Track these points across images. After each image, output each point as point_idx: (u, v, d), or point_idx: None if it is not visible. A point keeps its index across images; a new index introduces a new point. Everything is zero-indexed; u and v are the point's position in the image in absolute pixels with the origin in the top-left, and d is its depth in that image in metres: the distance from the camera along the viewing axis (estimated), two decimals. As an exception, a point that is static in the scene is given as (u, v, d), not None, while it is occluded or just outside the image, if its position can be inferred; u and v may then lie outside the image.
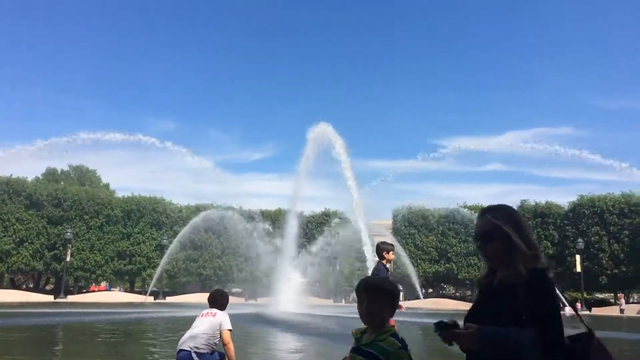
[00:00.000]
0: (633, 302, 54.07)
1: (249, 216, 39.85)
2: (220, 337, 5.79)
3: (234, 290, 56.95)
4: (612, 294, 55.57)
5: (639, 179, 34.33)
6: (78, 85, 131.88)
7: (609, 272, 47.90)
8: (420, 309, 42.25)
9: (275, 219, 53.50)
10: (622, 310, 42.60)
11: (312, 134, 30.55)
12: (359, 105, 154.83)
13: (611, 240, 48.37)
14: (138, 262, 54.27)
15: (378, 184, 37.48)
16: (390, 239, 53.32)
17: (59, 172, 71.59)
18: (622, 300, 45.31)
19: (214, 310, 6.01)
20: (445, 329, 2.20)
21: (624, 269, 47.38)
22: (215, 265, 55.28)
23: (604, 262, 48.08)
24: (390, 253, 7.57)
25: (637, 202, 48.02)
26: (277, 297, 32.47)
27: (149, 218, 55.60)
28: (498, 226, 2.34)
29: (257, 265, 39.51)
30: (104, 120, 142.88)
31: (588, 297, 50.56)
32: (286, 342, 15.00)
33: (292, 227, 35.88)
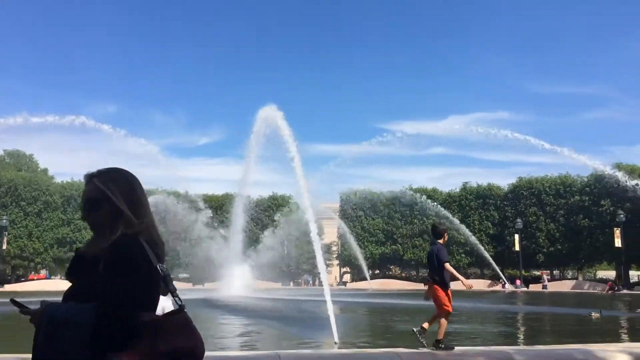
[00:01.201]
0: (568, 279, 56.75)
1: (194, 201, 39.19)
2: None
3: (181, 275, 56.22)
4: (548, 272, 58.22)
5: (575, 162, 35.79)
6: (9, 65, 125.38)
7: (545, 250, 50.14)
8: (366, 290, 43.09)
9: (222, 203, 53.01)
10: (544, 287, 45.70)
11: (258, 117, 30.36)
12: (305, 90, 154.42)
13: (547, 220, 50.56)
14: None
15: (325, 169, 37.65)
16: (337, 222, 53.98)
17: (-7, 157, 68.33)
18: (545, 277, 47.75)
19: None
20: (18, 306, 1.96)
21: (559, 247, 49.69)
22: (160, 251, 54.30)
23: (541, 240, 50.27)
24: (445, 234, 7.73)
25: (572, 183, 50.29)
26: (224, 282, 32.26)
27: (90, 203, 53.95)
28: (104, 192, 2.04)
29: (203, 251, 39.03)
30: (40, 104, 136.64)
31: (526, 274, 52.80)
32: (234, 325, 14.94)
33: (239, 212, 35.62)
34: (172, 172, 41.63)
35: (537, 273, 59.52)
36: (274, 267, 38.41)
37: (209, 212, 38.25)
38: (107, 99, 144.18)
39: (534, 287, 46.41)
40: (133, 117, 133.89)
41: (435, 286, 7.22)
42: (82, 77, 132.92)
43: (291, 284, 53.63)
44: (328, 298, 10.98)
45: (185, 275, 56.32)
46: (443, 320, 7.16)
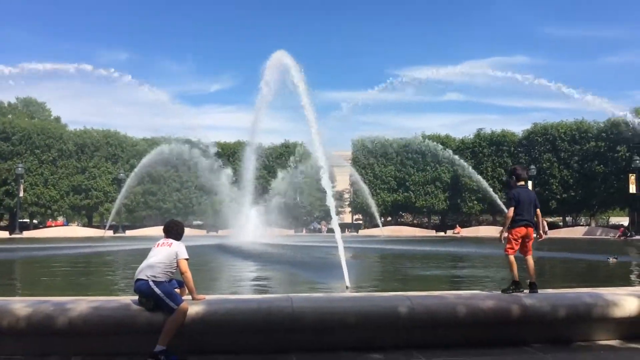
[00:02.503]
0: (580, 225, 56.73)
1: (206, 149, 39.18)
2: (177, 266, 5.76)
3: (194, 223, 57.06)
4: (561, 218, 58.20)
5: (592, 106, 35.05)
6: (22, 14, 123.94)
7: (558, 197, 49.93)
8: (379, 236, 43.53)
9: (234, 151, 53.08)
10: (545, 232, 45.22)
11: (269, 61, 29.81)
12: (317, 36, 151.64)
13: (561, 167, 50.12)
14: (95, 197, 53.50)
15: (338, 115, 37.24)
16: (349, 169, 54.00)
17: (6, 105, 68.49)
18: (545, 224, 47.42)
19: (170, 240, 5.94)
20: None
21: (572, 193, 49.44)
22: (175, 199, 55.03)
23: (554, 187, 50.01)
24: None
25: (588, 129, 49.52)
26: (237, 229, 32.65)
27: (104, 152, 54.43)
28: None
29: (216, 198, 39.36)
30: (52, 52, 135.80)
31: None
32: (247, 271, 15.20)
33: (251, 160, 35.65)
34: (183, 120, 41.46)
35: (550, 220, 59.53)
36: (286, 214, 38.70)
37: (220, 162, 38.29)
38: (118, 46, 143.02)
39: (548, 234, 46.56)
40: (144, 64, 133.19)
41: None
42: (93, 25, 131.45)
43: (304, 230, 54.22)
44: (340, 244, 11.06)
45: (199, 222, 57.18)
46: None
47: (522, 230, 6.90)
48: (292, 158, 43.42)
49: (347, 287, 9.27)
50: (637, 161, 41.37)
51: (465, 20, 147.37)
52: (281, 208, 37.01)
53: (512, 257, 6.94)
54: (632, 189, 41.83)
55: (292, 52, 24.37)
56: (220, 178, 37.14)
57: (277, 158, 55.59)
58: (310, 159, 33.69)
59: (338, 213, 56.81)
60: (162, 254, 5.77)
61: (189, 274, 5.79)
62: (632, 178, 41.93)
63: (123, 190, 46.85)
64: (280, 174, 41.32)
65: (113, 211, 47.78)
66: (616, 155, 46.04)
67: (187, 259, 5.81)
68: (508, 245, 6.93)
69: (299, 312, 5.65)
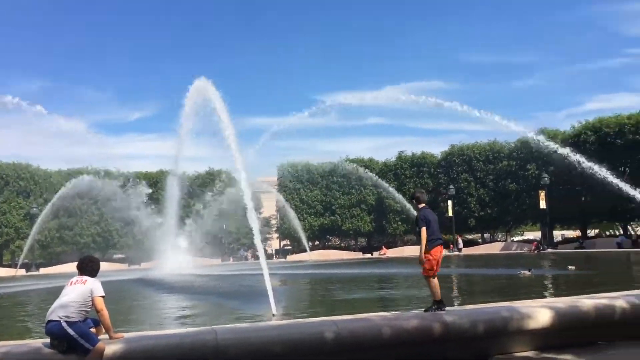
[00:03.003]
0: (498, 241, 59.31)
1: (126, 179, 37.92)
2: (93, 304, 5.48)
3: (115, 256, 54.79)
4: (480, 235, 60.66)
5: (502, 128, 37.13)
6: None
7: (476, 214, 52.12)
8: (307, 261, 43.53)
9: (157, 180, 51.70)
10: (459, 250, 47.66)
11: (190, 90, 29.47)
12: (240, 63, 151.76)
13: (477, 186, 52.44)
14: (5, 234, 50.36)
15: (262, 141, 37.21)
16: (275, 195, 53.89)
17: None
18: (460, 241, 49.35)
19: (84, 277, 5.66)
20: None
21: (489, 211, 51.75)
22: (94, 232, 52.71)
23: (472, 205, 52.18)
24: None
25: (500, 149, 52.22)
26: (161, 261, 31.65)
27: (15, 186, 51.45)
28: None
29: (138, 230, 37.99)
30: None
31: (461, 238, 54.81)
32: (171, 303, 14.71)
33: (174, 189, 34.81)
34: (102, 149, 39.87)
35: (469, 237, 61.89)
36: (212, 244, 37.98)
37: (145, 190, 37.14)
38: (33, 74, 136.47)
39: (467, 250, 48.23)
40: (61, 92, 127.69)
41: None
42: (4, 52, 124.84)
43: (231, 259, 53.34)
44: (265, 271, 10.96)
45: (120, 255, 54.93)
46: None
47: (439, 250, 7.12)
48: (217, 186, 42.85)
49: (273, 315, 9.17)
50: (546, 178, 44.00)
51: (385, 47, 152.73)
52: (206, 237, 36.27)
53: (433, 279, 7.12)
54: (542, 204, 44.33)
55: (214, 79, 24.28)
56: (141, 209, 35.96)
57: (201, 186, 54.61)
58: (235, 186, 33.36)
59: (265, 240, 56.43)
60: (76, 292, 5.48)
61: (105, 312, 5.52)
62: (542, 194, 44.47)
63: (36, 225, 44.27)
64: (205, 202, 40.61)
65: (25, 248, 45.04)
66: (526, 173, 48.80)
67: (103, 296, 5.54)
68: (428, 267, 7.09)
69: (223, 345, 5.51)
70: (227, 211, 40.92)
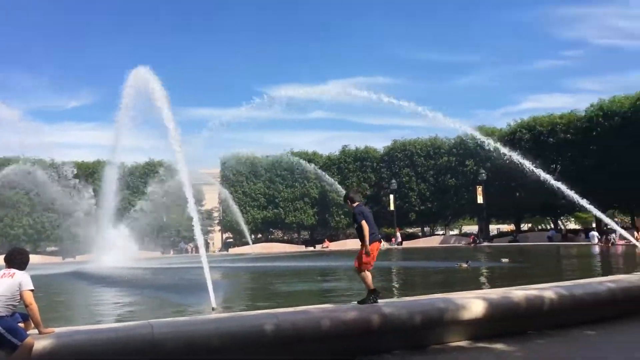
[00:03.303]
0: (437, 234, 60.96)
1: (61, 169, 36.35)
2: (21, 298, 5.24)
3: (49, 249, 52.70)
4: (420, 228, 62.08)
5: (442, 124, 38.14)
6: None
7: (416, 208, 53.30)
8: (249, 254, 43.27)
9: (94, 170, 50.01)
10: (399, 243, 48.17)
11: (130, 79, 28.53)
12: (183, 52, 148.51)
13: (419, 180, 53.61)
14: None
15: (205, 133, 36.52)
16: (217, 187, 53.23)
17: None
18: (398, 235, 50.33)
19: (12, 271, 5.39)
20: None
21: (429, 205, 53.05)
22: (25, 224, 50.48)
23: (413, 200, 53.31)
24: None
25: (440, 145, 53.56)
26: (98, 254, 30.65)
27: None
28: None
29: (73, 222, 36.59)
30: None
31: (400, 232, 55.86)
32: (107, 297, 14.28)
33: (112, 180, 33.71)
34: (37, 138, 38.03)
35: (410, 230, 63.25)
36: (152, 236, 37.12)
37: (77, 181, 35.76)
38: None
39: (407, 244, 49.25)
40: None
41: None
42: None
43: (171, 252, 52.35)
44: (205, 264, 10.80)
45: (54, 248, 52.87)
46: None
47: (376, 245, 7.19)
48: (157, 177, 41.84)
49: (213, 309, 9.06)
50: (483, 174, 45.50)
51: (330, 42, 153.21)
52: (146, 230, 35.40)
53: (367, 272, 7.13)
54: (480, 199, 45.87)
55: (155, 68, 23.55)
56: (76, 200, 34.64)
57: (141, 177, 53.30)
58: (175, 177, 32.65)
59: (207, 232, 55.70)
60: (3, 286, 5.22)
61: (34, 306, 5.29)
62: (479, 189, 45.99)
63: (-38, 217, 41.96)
64: (145, 193, 39.60)
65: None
66: (465, 169, 50.30)
67: (32, 290, 5.30)
68: (365, 261, 7.10)
69: (160, 339, 5.38)
70: (168, 203, 40.11)
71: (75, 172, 37.80)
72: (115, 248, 30.65)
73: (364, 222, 7.06)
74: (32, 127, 36.84)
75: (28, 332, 5.21)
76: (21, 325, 5.30)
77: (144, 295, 14.10)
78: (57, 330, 5.51)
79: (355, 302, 7.08)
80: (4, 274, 5.37)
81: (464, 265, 18.79)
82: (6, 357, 4.93)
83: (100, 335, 5.50)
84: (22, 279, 5.32)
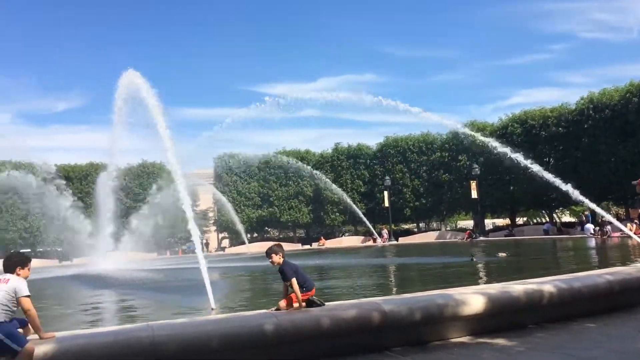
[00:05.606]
0: (432, 230, 61.14)
1: (52, 172, 36.19)
2: (19, 304, 5.19)
3: (45, 250, 52.45)
4: (416, 224, 62.18)
5: (433, 121, 38.33)
6: None
7: (411, 204, 53.35)
8: (245, 253, 43.21)
9: (87, 173, 49.84)
10: (385, 240, 48.30)
11: (119, 82, 28.50)
12: (172, 53, 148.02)
13: (412, 176, 53.63)
14: None
15: (199, 134, 36.53)
16: (211, 187, 53.10)
17: None
18: (385, 232, 50.31)
19: (7, 276, 5.34)
20: None
21: (423, 201, 53.06)
22: (20, 228, 50.21)
23: (407, 196, 53.35)
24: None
25: (433, 141, 53.56)
26: (94, 256, 30.57)
27: None
28: None
29: (69, 224, 36.48)
30: None
31: (395, 228, 55.95)
32: (106, 300, 14.22)
33: (106, 181, 33.63)
34: (28, 142, 37.92)
35: (405, 226, 63.36)
36: (148, 238, 36.97)
37: (63, 183, 35.61)
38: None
39: (402, 240, 49.29)
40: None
41: None
42: None
43: (168, 253, 52.22)
44: (202, 264, 10.78)
45: (52, 249, 52.67)
46: None
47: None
48: (153, 178, 41.75)
49: (212, 309, 9.04)
50: (476, 169, 45.60)
51: (318, 39, 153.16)
52: (142, 232, 35.30)
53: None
54: (474, 194, 45.94)
55: (143, 70, 23.61)
56: (62, 202, 34.51)
57: (135, 179, 53.14)
58: (170, 179, 32.53)
59: (203, 232, 55.56)
60: (0, 292, 5.18)
61: (33, 312, 5.25)
62: (473, 184, 46.06)
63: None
64: (140, 196, 39.48)
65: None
66: (458, 164, 50.37)
67: (28, 296, 5.24)
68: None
69: (160, 341, 5.37)
70: (163, 204, 40.01)
71: (65, 175, 37.60)
72: (111, 251, 30.61)
73: (294, 280, 6.66)
74: (22, 131, 36.72)
75: (28, 338, 5.18)
76: (20, 331, 5.27)
77: (143, 296, 14.05)
78: (57, 334, 5.49)
79: (354, 300, 7.06)
80: (0, 280, 5.33)
81: (474, 259, 19.52)
82: (7, 364, 4.89)
83: (100, 338, 5.49)
84: (16, 285, 5.26)
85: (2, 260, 5.56)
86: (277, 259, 6.97)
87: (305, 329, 5.94)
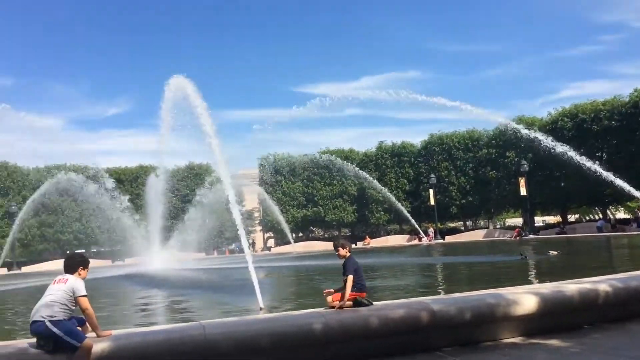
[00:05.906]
0: (480, 228, 60.00)
1: (104, 176, 37.44)
2: (77, 303, 5.40)
3: (99, 250, 54.27)
4: (462, 222, 61.19)
5: (479, 116, 37.66)
6: None
7: (457, 202, 52.53)
8: (291, 253, 43.54)
9: (137, 176, 51.24)
10: (431, 239, 47.71)
11: (167, 89, 29.21)
12: (217, 56, 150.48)
13: (458, 174, 52.82)
14: (-17, 233, 49.48)
15: (244, 136, 37.07)
16: (256, 188, 53.73)
17: None
18: (430, 231, 49.50)
19: (66, 276, 5.56)
20: None
21: (470, 198, 52.19)
22: (75, 229, 52.12)
23: (453, 194, 52.58)
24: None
25: (479, 137, 52.63)
26: (146, 256, 31.40)
27: (-7, 184, 50.63)
28: None
29: (122, 226, 37.66)
30: None
31: (441, 226, 55.21)
32: (157, 299, 14.59)
33: (157, 185, 34.53)
34: (80, 146, 39.42)
35: (451, 225, 62.43)
36: (196, 238, 37.75)
37: (114, 186, 36.73)
38: (4, 71, 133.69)
39: (449, 239, 48.59)
40: (34, 89, 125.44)
41: None
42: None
43: (215, 253, 53.17)
44: (250, 263, 10.93)
45: (99, 249, 54.47)
46: None
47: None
48: (196, 182, 42.54)
49: (260, 308, 9.15)
50: (525, 165, 44.51)
51: (361, 38, 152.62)
52: (191, 232, 36.05)
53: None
54: (523, 191, 44.87)
55: (190, 74, 24.12)
56: (115, 205, 35.62)
57: (182, 180, 54.31)
58: (218, 180, 33.16)
59: (249, 232, 56.31)
60: (59, 292, 5.39)
61: (90, 310, 5.44)
62: (522, 181, 44.99)
63: (16, 223, 43.69)
64: (187, 197, 40.30)
65: (6, 247, 44.50)
66: (506, 160, 49.26)
67: (85, 296, 5.44)
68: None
69: (212, 339, 5.48)
70: (211, 205, 40.77)
71: (118, 178, 38.75)
72: (162, 251, 31.37)
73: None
74: (73, 136, 38.17)
75: (86, 335, 5.37)
76: (78, 329, 5.46)
77: (192, 296, 14.35)
78: (113, 332, 5.68)
79: (402, 300, 7.00)
80: (60, 279, 5.55)
81: (524, 257, 19.24)
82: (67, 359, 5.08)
83: (155, 336, 5.64)
84: (75, 284, 5.47)
85: (64, 260, 5.79)
86: (344, 252, 7.04)
87: (353, 329, 5.94)
